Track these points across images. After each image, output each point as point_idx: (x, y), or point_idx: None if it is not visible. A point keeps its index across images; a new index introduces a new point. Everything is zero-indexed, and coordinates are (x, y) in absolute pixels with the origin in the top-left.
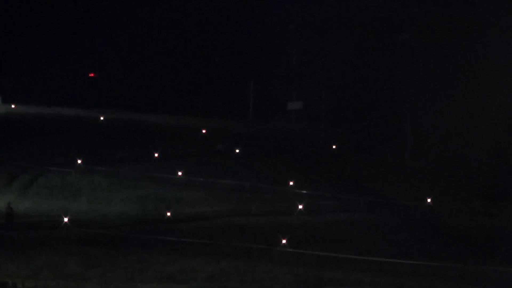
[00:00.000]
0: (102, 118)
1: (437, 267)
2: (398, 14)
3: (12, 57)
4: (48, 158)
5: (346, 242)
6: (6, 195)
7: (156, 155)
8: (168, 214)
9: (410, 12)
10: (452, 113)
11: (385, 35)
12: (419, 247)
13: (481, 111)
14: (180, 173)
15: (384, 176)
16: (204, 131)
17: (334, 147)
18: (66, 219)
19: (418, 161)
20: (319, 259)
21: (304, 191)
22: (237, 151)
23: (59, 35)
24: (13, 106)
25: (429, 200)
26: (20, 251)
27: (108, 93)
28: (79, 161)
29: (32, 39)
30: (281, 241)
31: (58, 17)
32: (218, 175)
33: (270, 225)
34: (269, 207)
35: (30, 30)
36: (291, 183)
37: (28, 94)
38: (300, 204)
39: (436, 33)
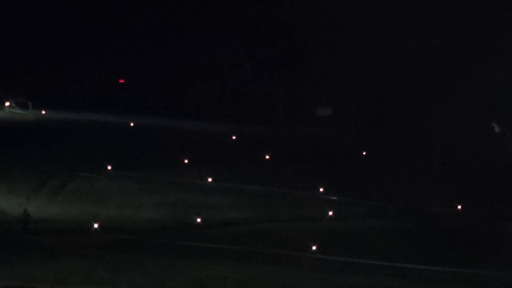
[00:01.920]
0: (131, 124)
1: (466, 274)
2: (426, 19)
3: (42, 63)
4: (77, 163)
5: (375, 249)
6: (35, 200)
7: (185, 161)
8: (197, 220)
9: (439, 16)
10: (481, 119)
11: (414, 40)
12: (447, 254)
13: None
14: (209, 179)
15: (413, 182)
16: (234, 137)
17: (363, 153)
18: (95, 225)
19: (447, 167)
20: (348, 265)
21: (333, 197)
22: (267, 157)
23: (88, 42)
24: (43, 112)
25: (458, 207)
26: (49, 257)
27: (138, 99)
28: (108, 167)
29: (61, 45)
30: (310, 247)
31: (87, 24)
32: (247, 180)
33: (299, 231)
34: (298, 213)
35: (59, 37)
36: (320, 189)
37: (58, 100)
38: (329, 210)
39: (465, 38)
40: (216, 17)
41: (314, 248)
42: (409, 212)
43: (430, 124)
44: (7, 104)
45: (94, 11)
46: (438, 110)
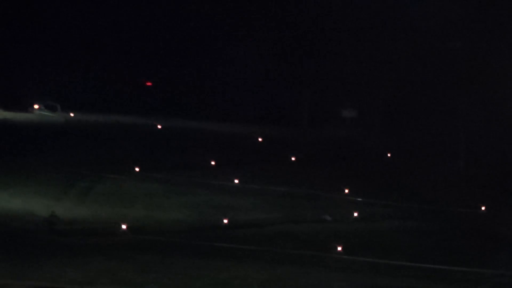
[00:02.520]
0: (159, 126)
1: (490, 274)
2: (451, 20)
3: (70, 66)
4: (105, 165)
5: (400, 249)
6: (63, 202)
7: (212, 162)
8: (224, 221)
9: (462, 18)
10: (506, 119)
11: (438, 42)
12: (471, 255)
13: None
14: (235, 180)
15: (438, 183)
16: (260, 139)
17: (388, 155)
18: (123, 226)
19: (471, 168)
20: (373, 266)
21: (358, 199)
22: (292, 158)
23: (115, 45)
24: (71, 114)
25: (482, 208)
26: (78, 258)
27: (164, 101)
28: (136, 168)
29: (88, 49)
30: (335, 248)
31: (115, 29)
32: (272, 182)
33: (324, 232)
34: (323, 214)
35: (86, 41)
36: (345, 190)
37: (86, 102)
38: (354, 211)
39: (489, 38)
40: (242, 19)
41: (339, 248)
42: (433, 213)
43: (454, 126)
44: (36, 106)
45: (121, 14)
46: (462, 112)
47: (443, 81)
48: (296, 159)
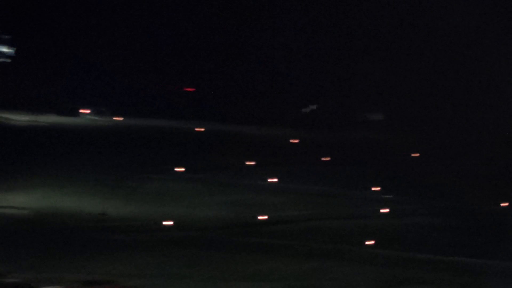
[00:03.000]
0: (199, 129)
1: None
2: (473, 24)
3: (117, 74)
4: (150, 166)
5: (426, 243)
6: (112, 200)
7: (248, 163)
8: (261, 217)
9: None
10: None
11: (462, 46)
12: (495, 249)
13: None
14: (271, 180)
15: (461, 181)
16: (292, 141)
17: (415, 155)
18: (167, 223)
19: (493, 167)
20: (401, 259)
21: (386, 196)
22: (323, 159)
23: (160, 55)
24: (118, 118)
25: (504, 204)
26: (126, 252)
27: (204, 106)
28: (179, 169)
29: (134, 58)
30: (365, 243)
31: (160, 40)
32: (305, 181)
33: (354, 227)
34: (353, 210)
35: (133, 51)
36: (373, 188)
37: (132, 108)
38: (382, 208)
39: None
40: (275, 27)
41: (369, 243)
42: (458, 210)
43: (476, 128)
44: (85, 111)
45: (165, 25)
46: (485, 114)
47: (467, 83)
48: (326, 159)
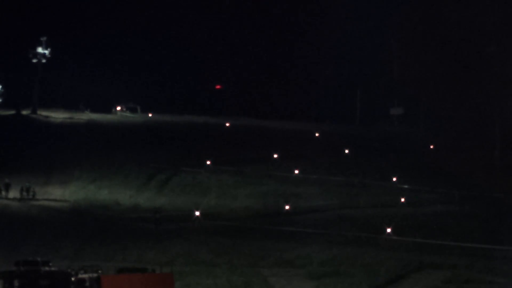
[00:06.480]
0: (227, 124)
1: None
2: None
3: (149, 71)
4: (181, 159)
5: (443, 231)
6: (145, 193)
7: (275, 156)
8: (287, 207)
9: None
10: None
11: (476, 44)
12: (509, 235)
13: None
14: (296, 171)
15: (476, 171)
16: (317, 134)
17: (431, 147)
18: (197, 213)
19: (506, 157)
20: (420, 245)
21: (406, 186)
22: (347, 151)
23: (189, 53)
24: (150, 114)
25: None
26: (158, 241)
27: (233, 102)
28: (208, 162)
29: (165, 56)
30: (386, 230)
31: (189, 39)
32: (330, 172)
33: (376, 216)
34: (375, 200)
35: (163, 49)
36: (394, 179)
37: (163, 104)
38: (402, 197)
39: None
40: (307, 28)
41: (389, 230)
42: (473, 198)
43: (490, 120)
44: (118, 108)
45: (193, 24)
46: (497, 107)
47: (481, 77)
48: (349, 152)
